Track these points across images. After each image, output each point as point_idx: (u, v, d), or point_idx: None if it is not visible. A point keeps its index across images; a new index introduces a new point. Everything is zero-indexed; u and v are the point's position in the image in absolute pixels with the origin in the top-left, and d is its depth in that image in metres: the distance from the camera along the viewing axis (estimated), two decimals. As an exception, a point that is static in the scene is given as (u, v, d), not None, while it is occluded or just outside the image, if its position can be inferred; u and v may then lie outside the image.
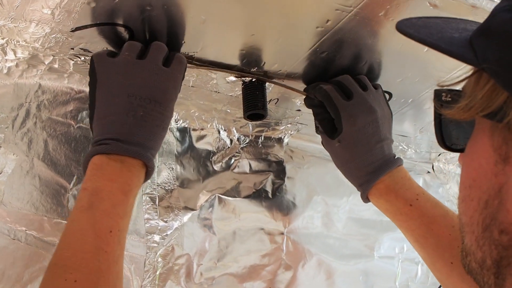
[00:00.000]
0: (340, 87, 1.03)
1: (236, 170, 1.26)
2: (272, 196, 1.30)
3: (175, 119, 1.19)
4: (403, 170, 1.03)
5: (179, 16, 0.87)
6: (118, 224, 0.79)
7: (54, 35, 0.90)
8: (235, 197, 1.25)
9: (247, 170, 1.28)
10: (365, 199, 1.05)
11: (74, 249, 0.74)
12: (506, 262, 0.49)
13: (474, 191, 0.54)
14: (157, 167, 1.16)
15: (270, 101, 1.16)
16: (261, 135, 1.30)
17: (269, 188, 1.30)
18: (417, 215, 0.97)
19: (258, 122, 1.27)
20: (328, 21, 0.89)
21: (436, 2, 0.86)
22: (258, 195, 1.28)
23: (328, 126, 1.05)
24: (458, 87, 0.57)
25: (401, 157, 1.05)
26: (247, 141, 1.28)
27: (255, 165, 1.29)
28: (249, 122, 1.22)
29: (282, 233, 1.30)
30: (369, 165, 1.02)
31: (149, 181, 1.12)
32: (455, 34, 0.56)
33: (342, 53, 0.99)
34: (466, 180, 0.56)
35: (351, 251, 1.42)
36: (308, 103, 1.08)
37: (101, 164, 0.82)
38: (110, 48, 0.93)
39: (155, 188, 1.14)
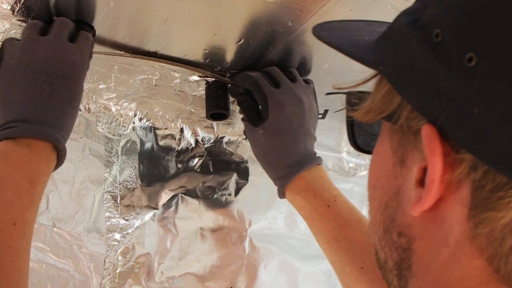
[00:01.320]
0: (269, 75, 1.03)
1: (199, 169, 1.26)
2: (235, 196, 1.31)
3: (139, 118, 1.18)
4: (322, 169, 1.02)
5: (140, 13, 0.87)
6: (23, 216, 0.74)
7: (14, 31, 0.89)
8: (198, 196, 1.25)
9: (211, 170, 1.28)
10: (282, 194, 1.03)
11: None
12: (406, 265, 0.49)
13: (377, 191, 0.54)
14: (120, 165, 1.15)
15: (234, 101, 1.17)
16: (226, 135, 1.30)
17: (232, 188, 1.30)
18: (333, 217, 0.97)
19: (222, 122, 1.27)
20: (290, 22, 0.89)
21: (398, 5, 0.87)
22: (221, 195, 1.28)
23: (253, 114, 1.04)
24: (363, 88, 0.56)
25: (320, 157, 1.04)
26: (211, 141, 1.28)
27: (219, 165, 1.29)
28: (212, 122, 1.22)
29: (245, 233, 1.31)
30: (291, 158, 1.01)
31: (110, 179, 1.12)
32: (365, 37, 0.56)
33: (305, 54, 1.00)
34: (371, 180, 0.56)
35: (314, 252, 1.42)
36: (233, 91, 1.07)
37: (7, 151, 0.76)
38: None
39: (117, 187, 1.14)
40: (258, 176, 1.35)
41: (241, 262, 1.29)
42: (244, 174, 1.33)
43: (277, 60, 1.04)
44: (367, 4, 0.86)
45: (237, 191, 1.31)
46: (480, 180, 0.40)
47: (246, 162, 1.33)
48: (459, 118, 0.40)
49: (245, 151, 1.33)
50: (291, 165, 1.01)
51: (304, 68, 1.09)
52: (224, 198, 1.29)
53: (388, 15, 0.87)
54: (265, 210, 1.35)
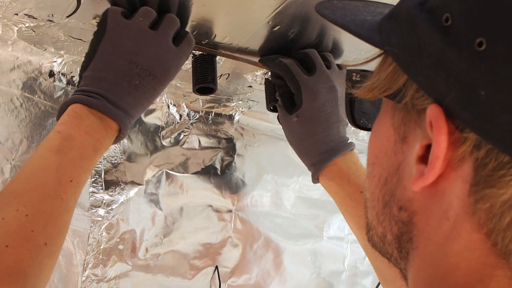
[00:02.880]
0: (304, 61, 1.03)
1: (185, 145, 1.25)
2: (221, 173, 1.30)
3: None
4: (355, 155, 1.04)
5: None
6: (80, 176, 0.79)
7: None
8: (183, 173, 1.24)
9: (196, 146, 1.27)
10: (316, 179, 1.04)
11: (33, 185, 0.75)
12: (407, 237, 0.52)
13: (376, 168, 0.56)
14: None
15: (220, 76, 1.15)
16: (212, 111, 1.29)
17: (218, 165, 1.29)
18: None
19: (208, 98, 1.25)
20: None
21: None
22: (206, 171, 1.27)
23: (289, 101, 1.05)
24: (367, 67, 0.60)
25: (354, 138, 1.05)
26: (197, 117, 1.27)
27: (205, 141, 1.28)
28: (198, 96, 1.20)
29: (231, 211, 1.30)
30: (324, 144, 1.02)
31: (94, 154, 1.10)
32: (368, 17, 0.58)
33: (296, 27, 0.98)
34: (370, 157, 0.58)
35: (300, 231, 1.42)
36: (273, 74, 1.08)
37: (81, 114, 0.81)
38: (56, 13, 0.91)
39: (101, 162, 1.12)
40: (245, 153, 1.34)
41: (226, 240, 1.28)
42: (230, 151, 1.32)
43: (312, 44, 1.04)
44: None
45: (223, 168, 1.30)
46: (483, 158, 0.42)
47: (232, 138, 1.32)
48: (466, 99, 0.42)
49: (231, 127, 1.32)
50: (324, 151, 1.02)
51: (336, 52, 1.08)
52: (209, 174, 1.28)
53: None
54: (251, 188, 1.34)
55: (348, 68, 0.67)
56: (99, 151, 0.83)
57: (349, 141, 1.04)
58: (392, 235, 0.54)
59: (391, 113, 0.54)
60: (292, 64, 1.01)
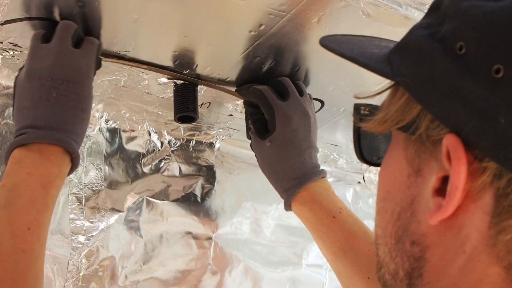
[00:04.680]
0: (277, 88, 1.04)
1: (165, 173, 1.26)
2: (201, 201, 1.30)
3: (105, 120, 1.17)
4: (327, 182, 1.04)
5: (111, 14, 0.86)
6: (37, 220, 0.76)
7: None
8: (164, 200, 1.24)
9: (177, 173, 1.27)
10: (288, 206, 1.04)
11: None
12: (417, 273, 0.50)
13: (388, 203, 0.55)
14: (85, 167, 1.14)
15: (202, 104, 1.16)
16: (192, 139, 1.30)
17: (198, 192, 1.30)
18: (338, 228, 0.97)
19: (189, 126, 1.26)
20: (261, 25, 0.89)
21: (369, 11, 0.87)
22: (187, 199, 1.28)
23: (261, 128, 1.05)
24: (375, 99, 0.58)
25: (333, 166, 1.06)
26: (178, 144, 1.28)
27: (185, 168, 1.29)
28: (180, 124, 1.21)
29: (210, 238, 1.30)
30: (297, 170, 1.02)
31: (75, 180, 1.11)
32: (375, 50, 0.58)
33: (276, 58, 1.00)
34: (381, 193, 0.57)
35: (278, 258, 1.42)
36: (246, 102, 1.09)
37: (20, 157, 0.78)
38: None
39: (81, 188, 1.13)
40: (225, 181, 1.35)
41: (206, 267, 1.28)
42: (210, 179, 1.32)
43: (287, 74, 1.07)
44: (338, 9, 0.87)
45: (203, 196, 1.30)
46: (504, 187, 0.41)
47: (213, 166, 1.33)
48: (486, 127, 0.41)
49: (211, 155, 1.33)
50: (297, 177, 1.02)
51: (307, 82, 1.11)
52: (189, 202, 1.28)
53: (359, 21, 0.89)
54: (231, 215, 1.35)
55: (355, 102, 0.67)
56: (49, 185, 0.79)
57: (320, 168, 1.05)
58: (403, 271, 0.52)
59: (403, 146, 0.52)
60: (266, 90, 1.03)
